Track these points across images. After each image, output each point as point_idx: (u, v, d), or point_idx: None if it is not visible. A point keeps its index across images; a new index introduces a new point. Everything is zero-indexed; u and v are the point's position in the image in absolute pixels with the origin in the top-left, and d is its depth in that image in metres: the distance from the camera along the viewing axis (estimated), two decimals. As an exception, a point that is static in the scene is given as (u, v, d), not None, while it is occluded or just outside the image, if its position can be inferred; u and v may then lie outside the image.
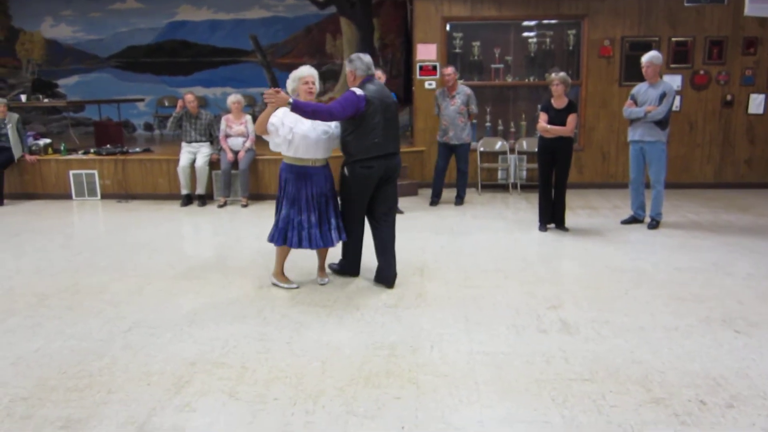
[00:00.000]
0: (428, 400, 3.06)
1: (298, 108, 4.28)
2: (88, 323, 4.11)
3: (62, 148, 8.99)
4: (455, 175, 8.12)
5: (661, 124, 6.40)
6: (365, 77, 4.67)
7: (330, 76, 12.58)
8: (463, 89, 7.83)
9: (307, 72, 4.61)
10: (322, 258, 4.97)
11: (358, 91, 4.53)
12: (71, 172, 8.74)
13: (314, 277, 5.00)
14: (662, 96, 6.35)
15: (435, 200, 8.12)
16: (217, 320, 4.14)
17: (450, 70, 7.75)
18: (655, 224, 6.62)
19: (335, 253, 5.17)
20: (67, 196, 8.77)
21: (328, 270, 5.10)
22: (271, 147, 4.68)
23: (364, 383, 3.23)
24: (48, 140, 9.20)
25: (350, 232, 4.87)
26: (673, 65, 8.77)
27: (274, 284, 4.83)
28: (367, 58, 4.73)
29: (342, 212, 4.86)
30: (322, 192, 4.65)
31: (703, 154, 9.11)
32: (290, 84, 4.65)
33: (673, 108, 6.72)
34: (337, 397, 3.09)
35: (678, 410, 2.94)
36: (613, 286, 4.76)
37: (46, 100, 11.48)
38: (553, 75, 6.38)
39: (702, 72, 8.86)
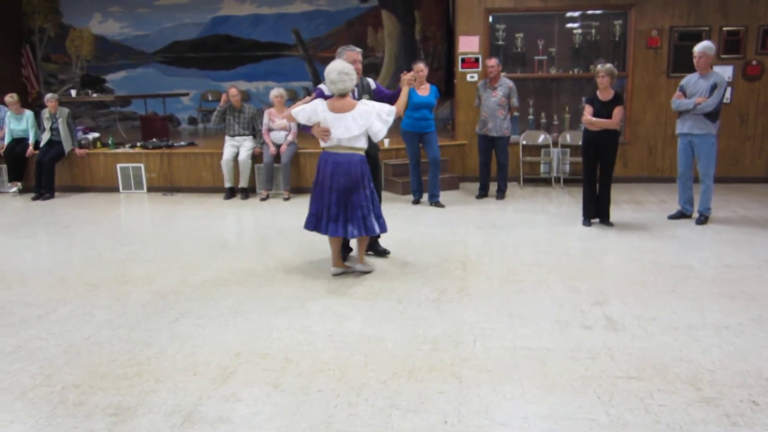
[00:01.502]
0: (471, 394, 3.04)
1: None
2: (136, 313, 4.21)
3: (110, 141, 9.21)
4: (496, 169, 8.05)
5: (712, 116, 6.23)
6: None
7: (371, 69, 12.58)
8: (506, 82, 7.75)
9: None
10: (339, 246, 5.03)
11: None
12: (119, 166, 8.96)
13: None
14: (713, 87, 6.16)
15: (481, 193, 8.07)
16: (260, 311, 4.20)
17: (494, 61, 7.70)
18: (703, 219, 6.45)
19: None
20: (115, 189, 8.99)
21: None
22: (380, 136, 4.73)
23: (407, 377, 3.23)
24: (97, 134, 9.45)
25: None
26: (724, 56, 8.49)
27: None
28: None
29: (378, 192, 5.16)
30: None
31: (755, 148, 8.83)
32: (351, 82, 4.57)
33: (724, 100, 6.51)
34: (380, 391, 3.10)
35: (729, 411, 2.86)
36: (660, 283, 4.66)
37: (94, 95, 11.79)
38: (599, 66, 6.26)
39: (755, 62, 8.57)
